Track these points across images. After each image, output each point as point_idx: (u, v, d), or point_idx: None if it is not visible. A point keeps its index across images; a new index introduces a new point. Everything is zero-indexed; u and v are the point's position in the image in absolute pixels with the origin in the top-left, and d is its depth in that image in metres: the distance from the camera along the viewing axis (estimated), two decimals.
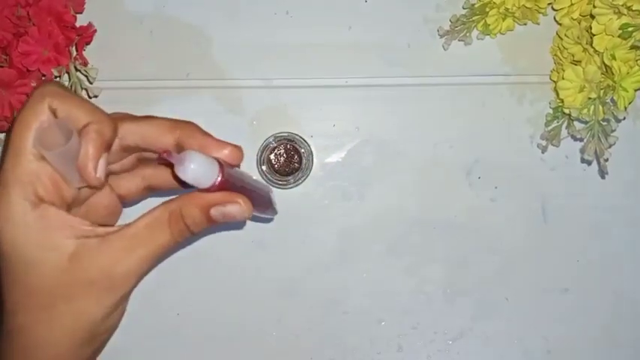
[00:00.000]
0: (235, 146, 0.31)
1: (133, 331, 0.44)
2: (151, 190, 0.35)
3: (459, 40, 0.43)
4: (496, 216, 0.44)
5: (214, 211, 0.30)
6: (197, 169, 0.28)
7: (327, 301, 0.44)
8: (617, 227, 0.44)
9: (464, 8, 0.42)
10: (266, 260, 0.44)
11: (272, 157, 0.43)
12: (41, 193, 0.28)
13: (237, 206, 0.30)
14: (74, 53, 0.41)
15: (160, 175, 0.34)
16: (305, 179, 0.43)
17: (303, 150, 0.43)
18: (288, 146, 0.43)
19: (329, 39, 0.44)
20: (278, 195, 0.44)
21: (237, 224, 0.42)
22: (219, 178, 0.29)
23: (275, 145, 0.43)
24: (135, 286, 0.30)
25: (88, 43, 0.42)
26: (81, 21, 0.41)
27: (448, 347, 0.44)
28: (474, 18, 0.41)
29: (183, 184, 0.30)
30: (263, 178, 0.43)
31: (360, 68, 0.44)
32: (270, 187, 0.31)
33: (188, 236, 0.30)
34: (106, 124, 0.29)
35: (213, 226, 0.31)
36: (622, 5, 0.35)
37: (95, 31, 0.42)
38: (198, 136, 0.31)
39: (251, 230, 0.44)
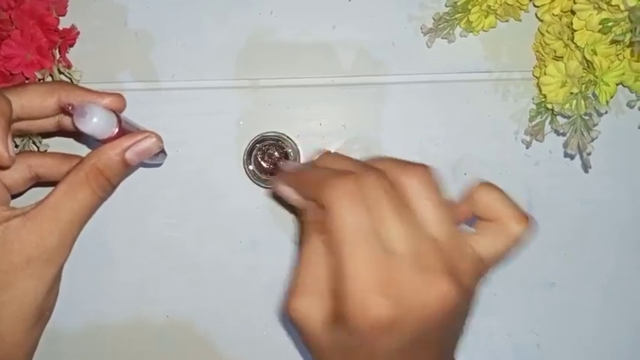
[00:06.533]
0: (116, 94, 0.33)
1: (122, 334, 0.43)
2: (37, 180, 0.35)
3: (442, 38, 0.43)
4: None
5: (129, 154, 0.31)
6: (98, 121, 0.29)
7: None
8: (601, 220, 0.45)
9: (447, 6, 0.43)
10: (256, 260, 0.44)
11: (259, 156, 0.43)
12: None
13: (149, 139, 0.31)
14: (57, 56, 0.40)
15: (46, 164, 0.34)
16: None
17: (289, 149, 0.43)
18: (275, 146, 0.43)
19: (313, 38, 0.44)
20: (267, 195, 0.44)
21: (153, 165, 0.42)
22: (118, 127, 0.31)
23: (262, 145, 0.43)
24: (69, 252, 0.30)
25: (71, 46, 0.42)
26: (64, 23, 0.41)
27: None
28: (456, 16, 0.42)
29: (83, 135, 0.31)
30: (250, 177, 0.43)
31: (345, 67, 0.44)
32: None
33: (109, 189, 0.31)
34: (2, 102, 0.28)
35: (129, 170, 0.32)
36: (602, 1, 0.36)
37: (78, 33, 0.41)
38: (78, 92, 0.32)
39: (241, 230, 0.44)
